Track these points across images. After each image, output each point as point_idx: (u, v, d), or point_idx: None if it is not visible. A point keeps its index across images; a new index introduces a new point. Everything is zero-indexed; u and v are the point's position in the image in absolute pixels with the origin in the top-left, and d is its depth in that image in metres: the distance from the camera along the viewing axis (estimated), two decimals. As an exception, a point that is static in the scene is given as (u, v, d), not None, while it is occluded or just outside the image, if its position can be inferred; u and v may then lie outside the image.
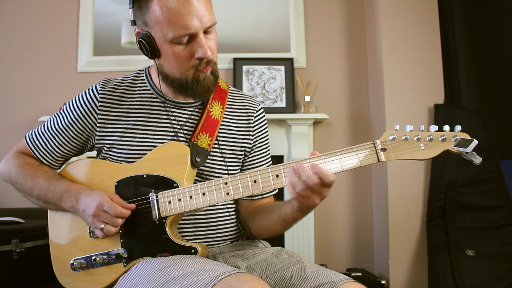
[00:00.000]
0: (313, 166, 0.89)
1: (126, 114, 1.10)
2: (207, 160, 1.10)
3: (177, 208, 0.99)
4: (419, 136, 0.90)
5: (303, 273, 0.99)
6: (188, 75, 1.04)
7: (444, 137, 0.89)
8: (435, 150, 0.90)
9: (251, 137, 1.19)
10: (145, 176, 1.03)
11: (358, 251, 2.50)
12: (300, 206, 0.94)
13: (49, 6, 2.60)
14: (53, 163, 1.14)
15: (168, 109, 1.11)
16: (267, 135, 1.25)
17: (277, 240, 1.83)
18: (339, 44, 2.60)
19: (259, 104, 1.25)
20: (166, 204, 1.00)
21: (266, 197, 1.21)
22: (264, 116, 1.25)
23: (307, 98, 2.44)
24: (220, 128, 1.14)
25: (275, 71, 2.53)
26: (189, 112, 1.13)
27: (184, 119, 1.12)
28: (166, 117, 1.11)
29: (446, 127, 0.90)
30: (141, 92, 1.13)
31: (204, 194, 0.98)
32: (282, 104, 2.50)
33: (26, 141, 1.15)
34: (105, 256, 1.02)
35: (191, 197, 0.98)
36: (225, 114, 1.16)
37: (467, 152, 0.87)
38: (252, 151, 1.21)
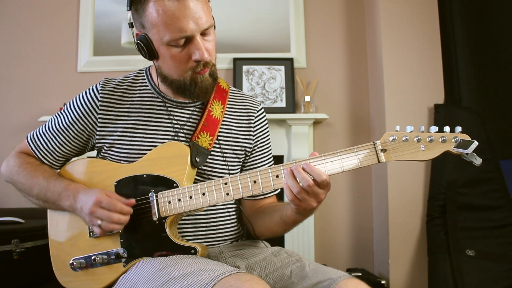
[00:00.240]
0: (306, 165, 0.90)
1: (126, 114, 1.10)
2: (208, 160, 1.10)
3: (176, 208, 0.99)
4: (419, 137, 0.90)
5: (302, 271, 1.00)
6: (186, 77, 1.04)
7: (444, 138, 0.89)
8: (435, 151, 0.90)
9: (252, 137, 1.19)
10: (145, 176, 1.03)
11: (358, 251, 2.50)
12: (298, 208, 0.95)
13: (49, 6, 2.60)
14: (54, 163, 1.15)
15: (168, 108, 1.12)
16: (268, 135, 1.25)
17: (277, 240, 1.83)
18: (339, 44, 2.60)
19: (260, 104, 1.25)
20: (166, 204, 1.00)
21: (269, 197, 1.22)
22: (264, 116, 1.25)
23: (307, 98, 2.44)
24: (221, 128, 1.14)
25: (275, 71, 2.53)
26: (190, 112, 1.13)
27: (185, 119, 1.12)
28: (166, 116, 1.11)
29: (447, 128, 0.90)
30: (141, 91, 1.13)
31: (204, 194, 0.98)
32: (282, 104, 2.50)
33: (28, 141, 1.15)
34: (104, 256, 1.02)
35: (191, 197, 0.98)
36: (225, 114, 1.16)
37: (467, 154, 0.87)
38: (253, 151, 1.21)
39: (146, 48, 1.02)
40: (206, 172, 1.10)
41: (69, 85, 2.54)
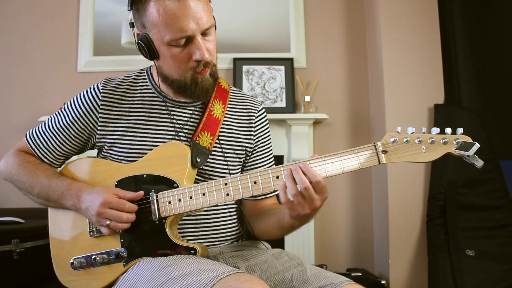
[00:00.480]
0: (303, 165, 0.89)
1: (127, 113, 1.10)
2: (209, 160, 1.10)
3: (177, 209, 0.99)
4: (420, 139, 0.89)
5: (303, 275, 0.99)
6: (186, 77, 1.04)
7: (445, 139, 0.88)
8: (436, 153, 0.89)
9: (252, 137, 1.19)
10: (145, 176, 1.03)
11: (358, 251, 2.50)
12: (291, 213, 0.94)
13: (49, 6, 2.60)
14: (54, 161, 1.15)
15: (169, 108, 1.12)
16: (269, 136, 1.25)
17: (278, 240, 1.83)
18: (339, 44, 2.60)
19: (261, 105, 1.25)
20: (166, 204, 1.00)
21: (270, 198, 1.21)
22: (265, 116, 1.25)
23: (307, 98, 2.44)
24: (222, 128, 1.14)
25: (275, 71, 2.53)
26: (190, 112, 1.13)
27: (186, 118, 1.12)
28: (167, 116, 1.11)
29: (448, 130, 0.89)
30: (142, 91, 1.13)
31: (204, 194, 0.98)
32: (282, 104, 2.50)
33: (27, 139, 1.15)
34: (105, 256, 1.02)
35: (191, 197, 0.98)
36: (226, 114, 1.16)
37: (468, 156, 0.86)
38: (254, 151, 1.21)
39: (147, 48, 1.02)
40: (207, 172, 1.10)
41: (69, 85, 2.54)
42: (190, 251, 0.98)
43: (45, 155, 1.13)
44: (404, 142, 0.90)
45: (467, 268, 1.97)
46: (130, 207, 0.99)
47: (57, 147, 1.13)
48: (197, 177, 1.08)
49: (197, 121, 1.12)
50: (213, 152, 1.11)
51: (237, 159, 1.17)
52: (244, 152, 1.18)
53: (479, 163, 0.87)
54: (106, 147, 1.10)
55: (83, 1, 2.59)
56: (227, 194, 0.97)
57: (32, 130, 1.16)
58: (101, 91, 1.10)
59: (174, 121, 1.11)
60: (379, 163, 0.91)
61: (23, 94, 2.55)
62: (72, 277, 1.06)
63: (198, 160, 1.05)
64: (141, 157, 1.06)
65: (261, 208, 1.18)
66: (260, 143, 1.22)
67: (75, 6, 2.59)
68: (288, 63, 2.53)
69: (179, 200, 0.99)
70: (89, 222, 1.06)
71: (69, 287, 1.07)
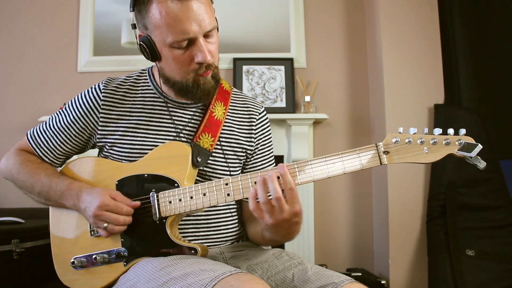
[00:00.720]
0: (281, 169, 0.88)
1: (128, 113, 1.10)
2: (209, 161, 1.10)
3: (177, 208, 0.99)
4: (422, 139, 0.89)
5: (304, 275, 0.99)
6: (188, 79, 1.04)
7: (448, 140, 0.88)
8: (438, 154, 0.88)
9: (253, 139, 1.19)
10: (146, 175, 1.03)
11: (358, 251, 2.50)
12: (261, 222, 0.92)
13: (49, 6, 2.60)
14: (54, 161, 1.15)
15: (170, 109, 1.11)
16: (269, 138, 1.25)
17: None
18: (339, 44, 2.60)
19: (262, 107, 1.24)
20: (166, 204, 1.00)
21: None
22: (266, 118, 1.25)
23: (307, 98, 2.44)
24: (223, 129, 1.14)
25: (275, 71, 2.53)
26: (192, 113, 1.13)
27: (187, 120, 1.12)
28: (168, 117, 1.11)
29: (451, 131, 0.89)
30: (143, 91, 1.13)
31: (204, 194, 0.98)
32: (282, 104, 2.50)
33: (28, 138, 1.15)
34: (105, 255, 1.02)
35: (191, 197, 0.98)
36: (227, 115, 1.16)
37: (471, 157, 0.85)
38: (254, 153, 1.20)
39: (149, 49, 1.02)
40: (208, 173, 1.10)
41: (69, 85, 2.54)
42: (190, 251, 0.98)
43: (45, 154, 1.13)
44: (406, 142, 0.90)
45: (467, 268, 1.97)
46: (127, 210, 0.99)
47: (58, 147, 1.13)
48: (198, 178, 1.08)
49: (198, 122, 1.12)
50: (213, 154, 1.11)
51: (238, 161, 1.17)
52: (244, 154, 1.18)
53: (482, 164, 0.86)
54: (107, 147, 1.10)
55: (83, 1, 2.59)
56: (228, 194, 0.97)
57: (33, 129, 1.16)
58: (102, 91, 1.10)
59: (176, 122, 1.11)
60: (381, 164, 0.91)
61: (23, 94, 2.55)
62: (73, 276, 1.06)
63: (199, 160, 1.05)
64: (142, 156, 1.06)
65: None
66: (261, 145, 1.22)
67: (75, 6, 2.60)
68: (288, 63, 2.53)
69: (180, 200, 0.99)
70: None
71: (69, 286, 1.07)
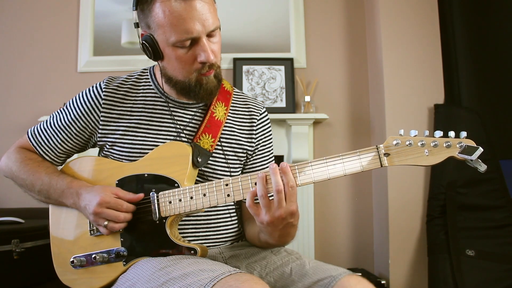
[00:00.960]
0: (285, 165, 0.89)
1: (129, 113, 1.10)
2: (210, 161, 1.10)
3: (177, 208, 0.99)
4: (423, 142, 0.89)
5: (302, 269, 0.99)
6: (191, 78, 1.04)
7: (449, 143, 0.87)
8: (439, 157, 0.88)
9: (253, 140, 1.19)
10: (146, 175, 1.03)
11: (358, 251, 2.50)
12: (256, 220, 0.93)
13: (49, 6, 2.60)
14: (55, 159, 1.15)
15: (171, 109, 1.11)
16: (270, 138, 1.24)
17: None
18: (339, 44, 2.60)
19: (263, 107, 1.24)
20: (166, 204, 1.00)
21: None
22: (267, 119, 1.24)
23: (307, 98, 2.44)
24: (223, 129, 1.14)
25: (275, 71, 2.53)
26: (192, 113, 1.13)
27: (187, 120, 1.12)
28: (169, 117, 1.11)
29: (452, 133, 0.88)
30: (145, 91, 1.13)
31: (205, 195, 0.98)
32: (282, 104, 2.50)
33: (28, 137, 1.15)
34: (105, 255, 1.02)
35: (191, 197, 0.98)
36: (228, 116, 1.16)
37: (472, 160, 0.85)
38: (254, 154, 1.20)
39: (152, 48, 1.02)
40: (207, 173, 1.10)
41: (69, 85, 2.54)
42: (190, 251, 0.98)
43: (46, 152, 1.13)
44: (407, 145, 0.89)
45: (467, 268, 1.97)
46: (127, 207, 0.99)
47: (59, 145, 1.13)
48: (198, 179, 1.08)
49: (199, 122, 1.12)
50: (214, 154, 1.11)
51: (238, 161, 1.17)
52: (245, 155, 1.18)
53: (482, 167, 0.86)
54: (107, 146, 1.10)
55: (83, 1, 2.59)
56: (228, 195, 0.97)
57: (34, 128, 1.16)
58: (103, 90, 1.10)
59: (177, 122, 1.11)
60: (381, 166, 0.91)
61: (23, 94, 2.55)
62: (73, 275, 1.06)
63: (199, 160, 1.05)
64: (143, 156, 1.06)
65: None
66: (261, 146, 1.22)
67: (75, 6, 2.59)
68: (288, 63, 2.53)
69: (180, 200, 0.99)
70: (90, 221, 1.06)
71: (69, 285, 1.07)
